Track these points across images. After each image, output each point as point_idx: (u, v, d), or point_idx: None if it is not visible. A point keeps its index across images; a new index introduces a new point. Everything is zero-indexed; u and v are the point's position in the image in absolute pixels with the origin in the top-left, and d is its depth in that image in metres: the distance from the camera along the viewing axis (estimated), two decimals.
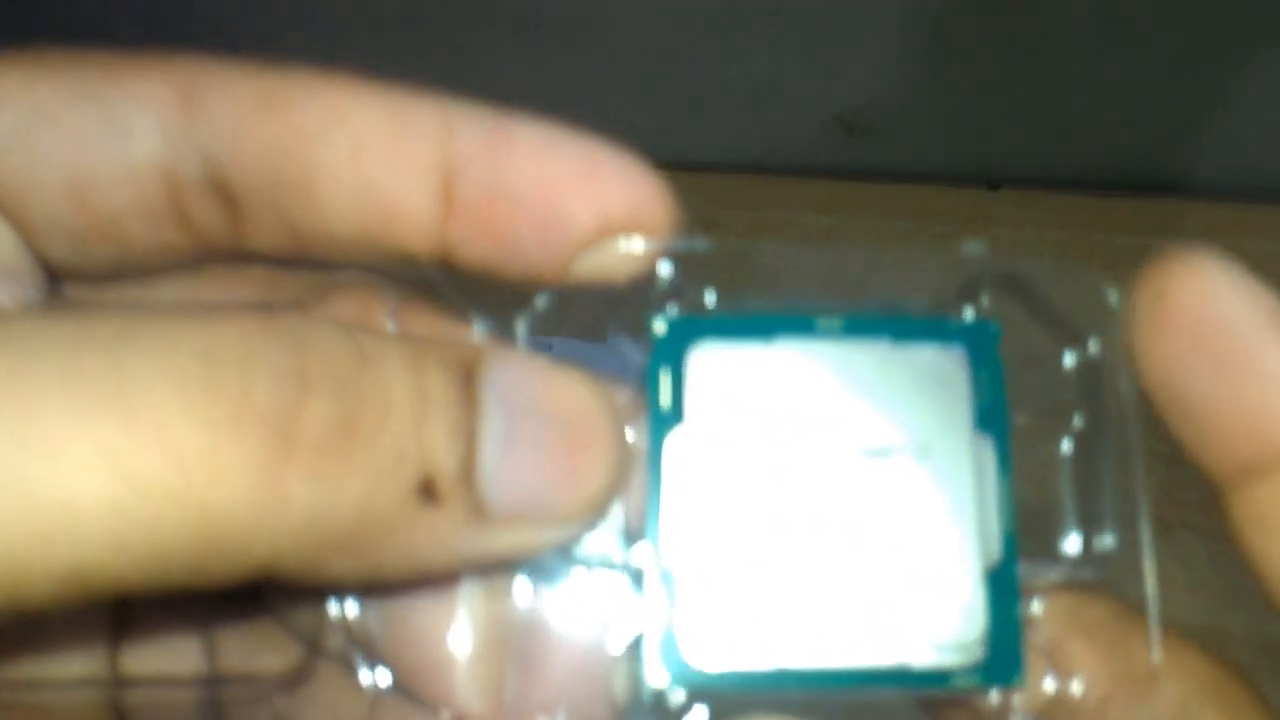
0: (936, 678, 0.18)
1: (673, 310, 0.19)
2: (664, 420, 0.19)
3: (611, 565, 0.19)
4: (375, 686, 0.19)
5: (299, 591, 0.18)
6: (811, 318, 0.19)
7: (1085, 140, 0.65)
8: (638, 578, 0.19)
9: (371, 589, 0.19)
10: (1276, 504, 0.17)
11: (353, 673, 0.18)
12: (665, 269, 0.19)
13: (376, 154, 0.18)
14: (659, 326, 0.19)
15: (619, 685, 0.19)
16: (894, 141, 0.67)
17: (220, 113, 0.18)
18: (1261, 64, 0.59)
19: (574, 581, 0.19)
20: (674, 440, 0.19)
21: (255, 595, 0.19)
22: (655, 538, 0.18)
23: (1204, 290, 0.17)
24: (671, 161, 0.67)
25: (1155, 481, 0.18)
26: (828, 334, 0.19)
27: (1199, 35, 0.59)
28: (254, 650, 0.20)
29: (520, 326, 0.19)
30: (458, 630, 0.19)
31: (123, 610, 0.20)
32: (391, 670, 0.19)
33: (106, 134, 0.18)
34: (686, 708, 0.18)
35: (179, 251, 0.20)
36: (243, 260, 0.20)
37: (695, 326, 0.19)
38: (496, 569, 0.19)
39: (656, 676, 0.18)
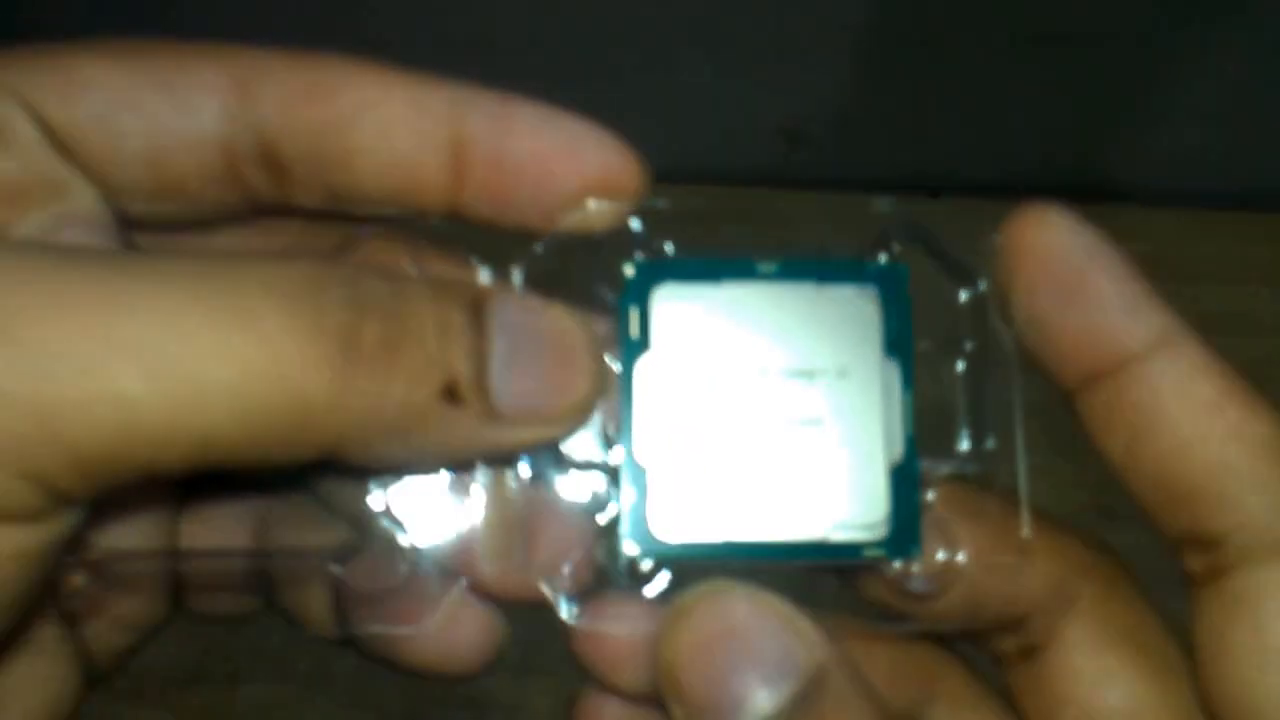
0: (850, 549, 0.22)
1: (639, 256, 0.24)
2: (633, 347, 0.23)
3: (593, 462, 0.23)
4: (413, 551, 0.23)
5: (345, 476, 0.23)
6: (752, 261, 0.24)
7: (1022, 148, 0.67)
8: (614, 472, 0.23)
9: (406, 473, 0.23)
10: (1109, 404, 0.22)
11: (393, 545, 0.23)
12: (634, 224, 0.24)
13: (401, 133, 0.23)
14: (628, 270, 0.23)
15: (601, 554, 0.23)
16: (838, 152, 0.69)
17: (271, 97, 0.23)
18: (1188, 77, 0.62)
19: (565, 474, 0.23)
20: (642, 364, 0.23)
21: (299, 483, 0.24)
22: (628, 440, 0.23)
23: (1047, 235, 0.22)
24: None
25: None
26: (766, 276, 0.23)
27: (1130, 48, 0.62)
28: (299, 530, 0.24)
29: (517, 270, 0.24)
30: (474, 509, 0.23)
31: (184, 492, 0.24)
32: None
33: (177, 115, 0.23)
34: (653, 573, 0.23)
35: (232, 207, 0.24)
36: (285, 212, 0.24)
37: (658, 269, 0.23)
38: (505, 460, 0.23)
39: (630, 548, 0.22)
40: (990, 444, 0.23)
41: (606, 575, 0.23)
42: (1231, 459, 0.21)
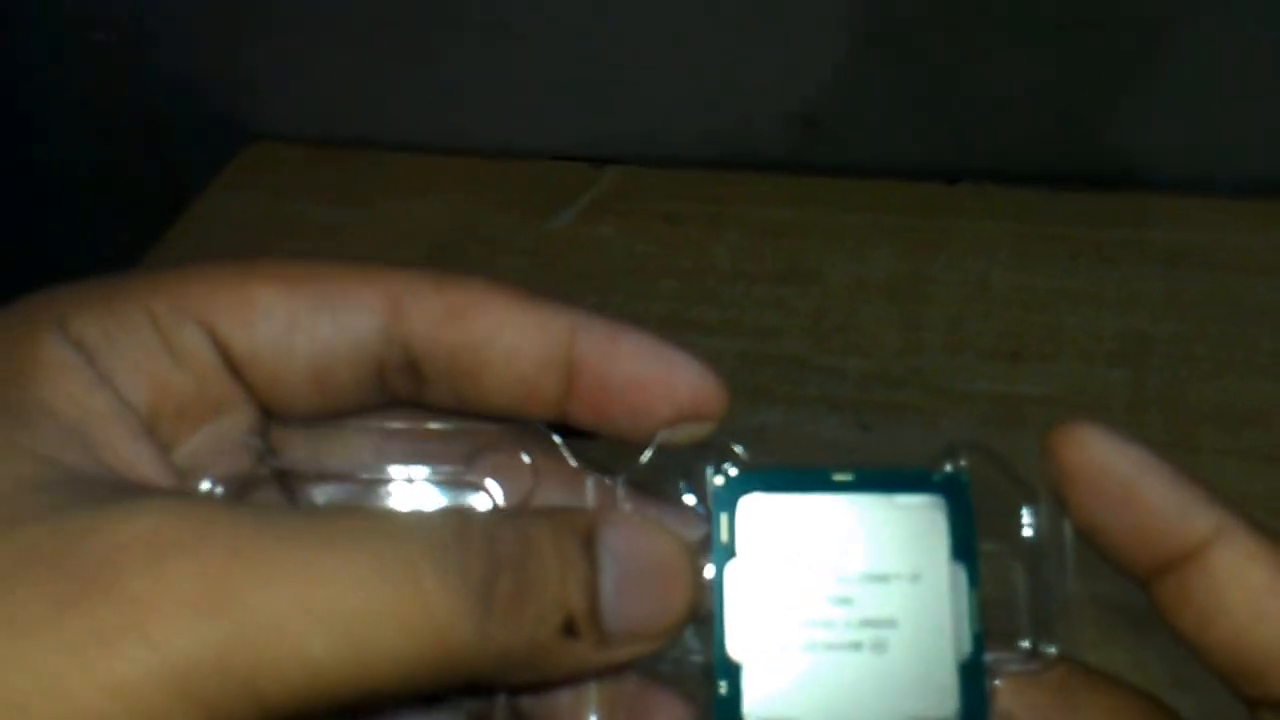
0: None
1: (727, 467, 0.26)
2: (723, 552, 0.26)
3: (689, 655, 0.26)
4: None
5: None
6: (829, 472, 0.26)
7: (1041, 135, 0.67)
8: (707, 665, 0.26)
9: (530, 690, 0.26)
10: (1176, 593, 0.24)
11: None
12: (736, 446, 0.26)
13: (526, 355, 0.26)
14: (717, 480, 0.26)
15: None
16: (851, 137, 0.70)
17: (419, 318, 0.25)
18: (1213, 61, 0.62)
19: (664, 671, 0.26)
20: (731, 568, 0.26)
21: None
22: (721, 637, 0.25)
23: (1090, 454, 0.24)
24: (637, 157, 0.73)
25: None
26: (841, 486, 0.26)
27: (1151, 33, 0.62)
28: None
29: (620, 482, 0.26)
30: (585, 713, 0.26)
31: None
32: None
33: (340, 336, 0.25)
34: None
35: (372, 404, 0.27)
36: (416, 408, 0.27)
37: (744, 481, 0.26)
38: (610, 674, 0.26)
39: None
40: (1051, 648, 0.26)
41: None
42: None
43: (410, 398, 0.27)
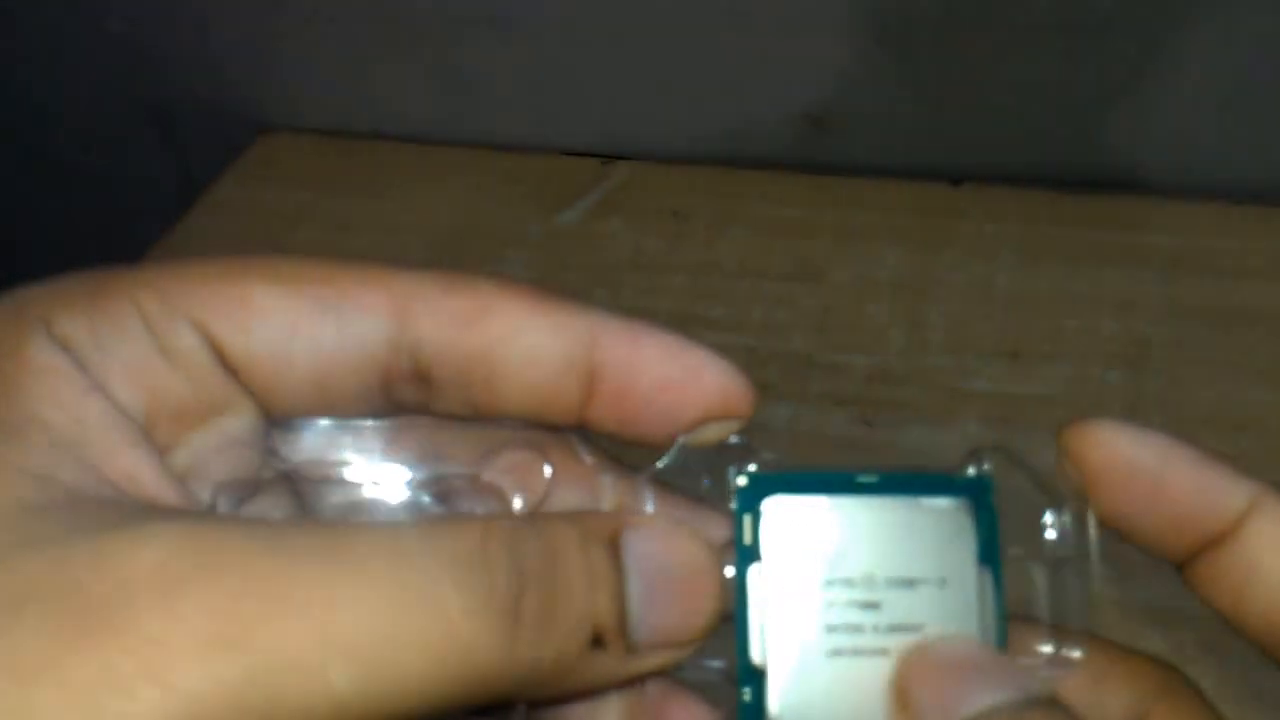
0: None
1: (750, 467, 0.25)
2: (746, 554, 0.24)
3: (712, 663, 0.25)
4: None
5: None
6: (852, 475, 0.25)
7: (1045, 138, 0.66)
8: (730, 672, 0.24)
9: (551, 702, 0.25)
10: (1213, 572, 0.23)
11: None
12: (735, 437, 0.25)
13: (543, 359, 0.24)
14: (740, 480, 0.25)
15: None
16: (859, 137, 0.69)
17: (427, 322, 0.24)
18: (1216, 67, 0.61)
19: (685, 677, 0.25)
20: (754, 571, 0.24)
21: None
22: (744, 642, 0.24)
23: (1113, 450, 0.24)
24: (646, 153, 0.72)
25: None
26: (865, 489, 0.25)
27: (1155, 37, 0.61)
28: None
29: (644, 484, 0.25)
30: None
31: None
32: None
33: (343, 340, 0.23)
34: None
35: (378, 412, 0.25)
36: (425, 414, 0.25)
37: (767, 482, 0.25)
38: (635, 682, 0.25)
39: None
40: (1075, 653, 0.25)
41: None
42: None
43: (419, 407, 0.25)
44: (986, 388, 0.58)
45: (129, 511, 0.20)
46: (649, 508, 0.25)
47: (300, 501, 0.25)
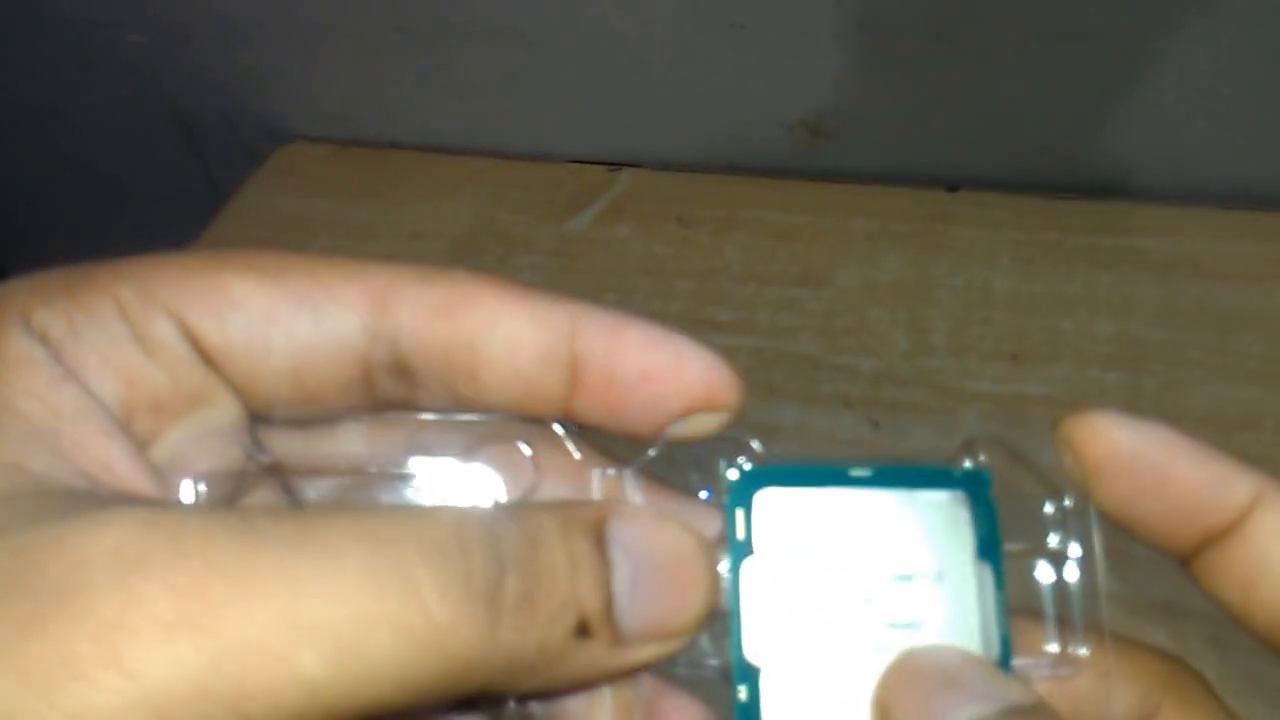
0: None
1: (742, 461, 0.24)
2: (739, 549, 0.23)
3: (704, 658, 0.23)
4: None
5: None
6: (846, 468, 0.23)
7: (1039, 145, 0.66)
8: (724, 668, 0.23)
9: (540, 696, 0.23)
10: (1219, 565, 0.22)
11: None
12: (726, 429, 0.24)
13: (525, 349, 0.23)
14: (731, 474, 0.23)
15: None
16: (857, 144, 0.68)
17: (406, 315, 0.22)
18: (1208, 75, 0.60)
19: (678, 671, 0.23)
20: (747, 566, 0.23)
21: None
22: (738, 639, 0.23)
23: (1115, 442, 0.22)
24: (647, 161, 0.71)
25: None
26: (859, 481, 0.23)
27: (1148, 45, 0.60)
28: None
29: (630, 475, 0.24)
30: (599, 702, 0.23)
31: None
32: None
33: (320, 332, 0.22)
34: None
35: (360, 407, 0.24)
36: (408, 410, 0.24)
37: (759, 475, 0.23)
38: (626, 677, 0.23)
39: None
40: (1080, 650, 0.23)
41: None
42: None
43: (402, 402, 0.24)
44: (989, 388, 0.57)
45: (95, 499, 0.19)
46: (636, 500, 0.24)
47: (288, 496, 0.24)
